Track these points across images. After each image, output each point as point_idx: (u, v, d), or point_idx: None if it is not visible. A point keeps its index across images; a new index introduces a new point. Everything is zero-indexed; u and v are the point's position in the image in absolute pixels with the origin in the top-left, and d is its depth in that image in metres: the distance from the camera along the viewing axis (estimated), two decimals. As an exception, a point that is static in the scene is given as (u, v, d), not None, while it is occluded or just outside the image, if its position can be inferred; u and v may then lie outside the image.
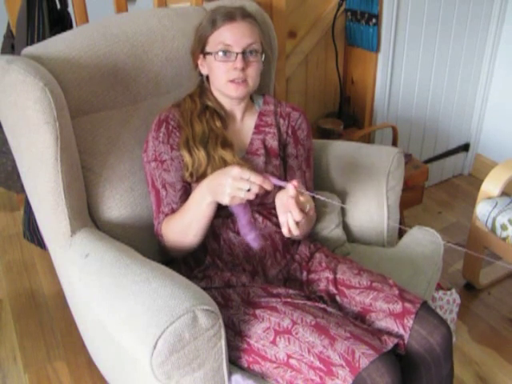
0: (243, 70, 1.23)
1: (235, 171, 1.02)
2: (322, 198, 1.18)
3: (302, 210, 1.03)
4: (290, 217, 1.03)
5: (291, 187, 1.01)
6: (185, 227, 1.19)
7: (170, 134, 1.27)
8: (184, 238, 1.20)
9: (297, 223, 1.03)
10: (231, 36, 1.22)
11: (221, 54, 1.22)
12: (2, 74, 1.13)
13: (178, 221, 1.20)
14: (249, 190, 1.02)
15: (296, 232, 1.04)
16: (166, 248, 1.26)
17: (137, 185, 1.35)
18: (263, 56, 1.28)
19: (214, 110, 1.31)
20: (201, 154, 1.23)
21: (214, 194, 1.09)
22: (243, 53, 1.22)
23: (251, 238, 1.13)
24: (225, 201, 1.05)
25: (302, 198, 1.03)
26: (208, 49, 1.26)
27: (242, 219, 1.11)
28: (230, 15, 1.23)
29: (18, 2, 1.56)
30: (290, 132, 1.40)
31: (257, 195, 1.04)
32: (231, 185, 1.02)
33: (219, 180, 1.06)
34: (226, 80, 1.25)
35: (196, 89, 1.36)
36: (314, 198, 1.40)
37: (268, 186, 1.02)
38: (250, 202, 1.27)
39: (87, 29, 1.36)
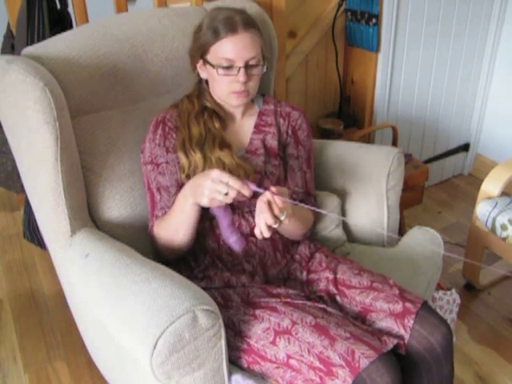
0: (245, 82, 1.23)
1: (215, 174, 1.04)
2: (312, 208, 1.18)
3: (275, 215, 1.04)
4: (261, 218, 1.04)
5: (267, 192, 1.04)
6: (173, 228, 1.20)
7: (167, 135, 1.27)
8: (174, 237, 1.21)
9: (269, 227, 1.04)
10: (233, 49, 1.20)
11: (223, 69, 1.22)
12: (2, 74, 1.13)
13: (167, 222, 1.21)
14: (227, 194, 1.03)
15: (267, 234, 1.05)
16: (159, 249, 1.27)
17: (137, 185, 1.35)
18: (264, 67, 1.28)
19: (213, 111, 1.31)
20: (197, 157, 1.23)
21: (194, 196, 1.10)
22: (245, 66, 1.22)
23: (233, 241, 1.14)
24: (203, 202, 1.07)
25: (278, 203, 1.04)
26: (209, 58, 1.25)
27: (223, 222, 1.13)
28: (232, 26, 1.20)
29: (18, 2, 1.56)
30: (290, 132, 1.40)
31: (251, 198, 1.05)
32: (210, 187, 1.04)
33: (199, 181, 1.07)
34: (228, 92, 1.25)
35: (194, 90, 1.35)
36: (314, 199, 1.41)
37: (246, 192, 1.03)
38: (244, 203, 1.27)
39: (87, 29, 1.36)
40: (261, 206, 1.05)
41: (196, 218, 1.17)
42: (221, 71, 1.22)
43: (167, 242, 1.23)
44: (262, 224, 1.04)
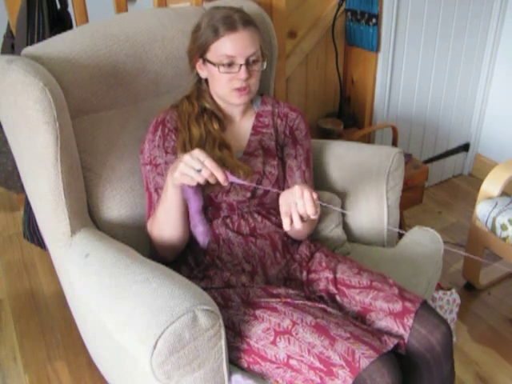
0: (247, 79, 1.24)
1: (195, 151, 1.04)
2: (324, 205, 1.17)
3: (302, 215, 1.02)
4: (295, 211, 1.02)
5: (304, 189, 1.02)
6: (161, 222, 1.20)
7: (166, 136, 1.27)
8: (163, 232, 1.21)
9: (301, 218, 1.02)
10: (234, 47, 1.21)
11: (224, 67, 1.23)
12: (2, 74, 1.13)
13: (156, 218, 1.21)
14: (200, 172, 1.03)
15: (299, 225, 1.02)
16: (155, 248, 1.27)
17: (137, 185, 1.35)
18: (264, 64, 1.29)
19: (212, 113, 1.31)
20: None
21: (171, 173, 1.09)
22: (246, 63, 1.23)
23: (198, 232, 1.15)
24: (175, 175, 1.06)
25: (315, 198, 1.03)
26: (209, 57, 1.25)
27: (192, 206, 1.13)
28: (231, 24, 1.21)
29: (18, 2, 1.56)
30: (287, 132, 1.40)
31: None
32: (186, 161, 1.04)
33: (180, 158, 1.07)
34: (229, 89, 1.26)
35: (193, 90, 1.35)
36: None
37: (219, 176, 1.02)
38: (243, 203, 1.27)
39: (87, 29, 1.36)
40: (295, 196, 1.02)
41: (178, 205, 1.15)
42: (222, 69, 1.23)
43: (158, 238, 1.23)
44: (295, 215, 1.02)
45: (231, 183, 1.25)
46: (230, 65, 1.23)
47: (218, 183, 1.05)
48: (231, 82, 1.25)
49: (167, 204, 1.16)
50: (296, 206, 1.02)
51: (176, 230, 1.20)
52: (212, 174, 1.03)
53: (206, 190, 1.23)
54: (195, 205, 1.13)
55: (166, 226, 1.20)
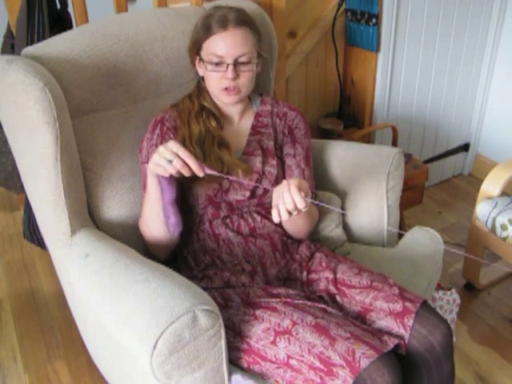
0: (235, 79, 1.23)
1: (169, 142, 1.06)
2: (322, 204, 1.18)
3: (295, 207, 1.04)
4: (281, 203, 1.04)
5: (291, 181, 1.04)
6: (147, 215, 1.21)
7: (164, 135, 1.27)
8: (150, 231, 1.22)
9: (288, 212, 1.04)
10: (223, 46, 1.21)
11: (212, 65, 1.23)
12: (2, 74, 1.13)
13: (143, 211, 1.23)
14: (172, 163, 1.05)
15: (285, 217, 1.04)
16: (148, 247, 1.28)
17: (137, 185, 1.35)
18: (255, 65, 1.27)
19: (210, 111, 1.32)
20: (197, 153, 1.23)
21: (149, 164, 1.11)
22: (235, 63, 1.22)
23: (170, 223, 1.17)
24: (149, 165, 1.08)
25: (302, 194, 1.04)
26: (202, 54, 1.26)
27: (165, 197, 1.15)
28: (224, 23, 1.21)
29: (18, 2, 1.56)
30: (286, 132, 1.40)
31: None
32: (160, 151, 1.06)
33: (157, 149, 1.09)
34: (218, 88, 1.26)
35: (194, 89, 1.36)
36: (315, 197, 1.41)
37: (194, 166, 1.05)
38: (243, 203, 1.27)
39: (87, 29, 1.36)
40: (283, 190, 1.04)
41: (159, 198, 1.16)
42: (210, 67, 1.24)
43: (147, 235, 1.24)
44: (282, 207, 1.04)
45: (230, 182, 1.26)
46: (218, 64, 1.23)
47: (198, 177, 1.06)
48: (220, 81, 1.25)
49: (150, 197, 1.17)
50: (283, 198, 1.03)
51: (161, 224, 1.20)
52: (184, 166, 1.05)
53: (202, 187, 1.25)
54: (168, 195, 1.15)
55: (151, 221, 1.21)
